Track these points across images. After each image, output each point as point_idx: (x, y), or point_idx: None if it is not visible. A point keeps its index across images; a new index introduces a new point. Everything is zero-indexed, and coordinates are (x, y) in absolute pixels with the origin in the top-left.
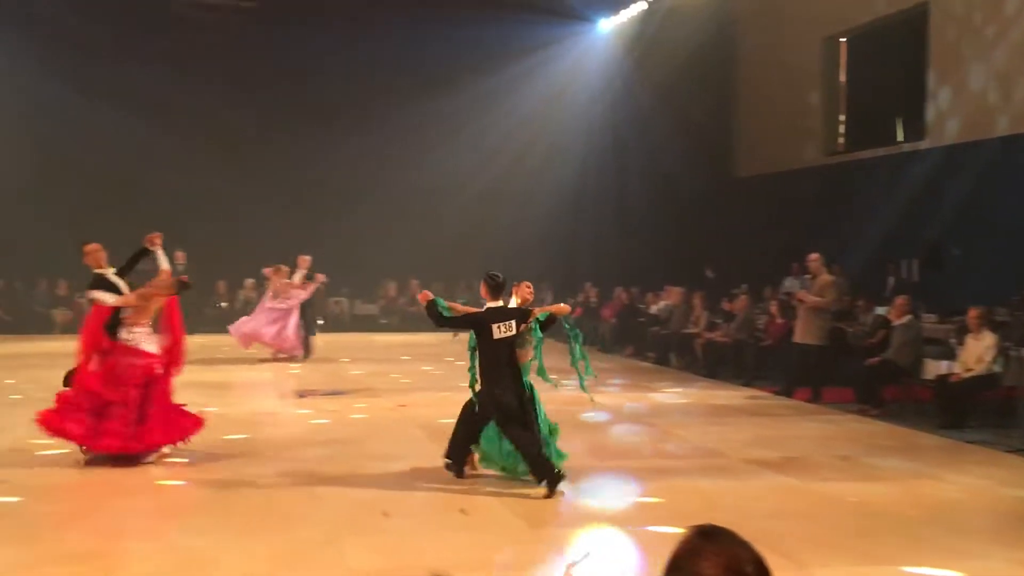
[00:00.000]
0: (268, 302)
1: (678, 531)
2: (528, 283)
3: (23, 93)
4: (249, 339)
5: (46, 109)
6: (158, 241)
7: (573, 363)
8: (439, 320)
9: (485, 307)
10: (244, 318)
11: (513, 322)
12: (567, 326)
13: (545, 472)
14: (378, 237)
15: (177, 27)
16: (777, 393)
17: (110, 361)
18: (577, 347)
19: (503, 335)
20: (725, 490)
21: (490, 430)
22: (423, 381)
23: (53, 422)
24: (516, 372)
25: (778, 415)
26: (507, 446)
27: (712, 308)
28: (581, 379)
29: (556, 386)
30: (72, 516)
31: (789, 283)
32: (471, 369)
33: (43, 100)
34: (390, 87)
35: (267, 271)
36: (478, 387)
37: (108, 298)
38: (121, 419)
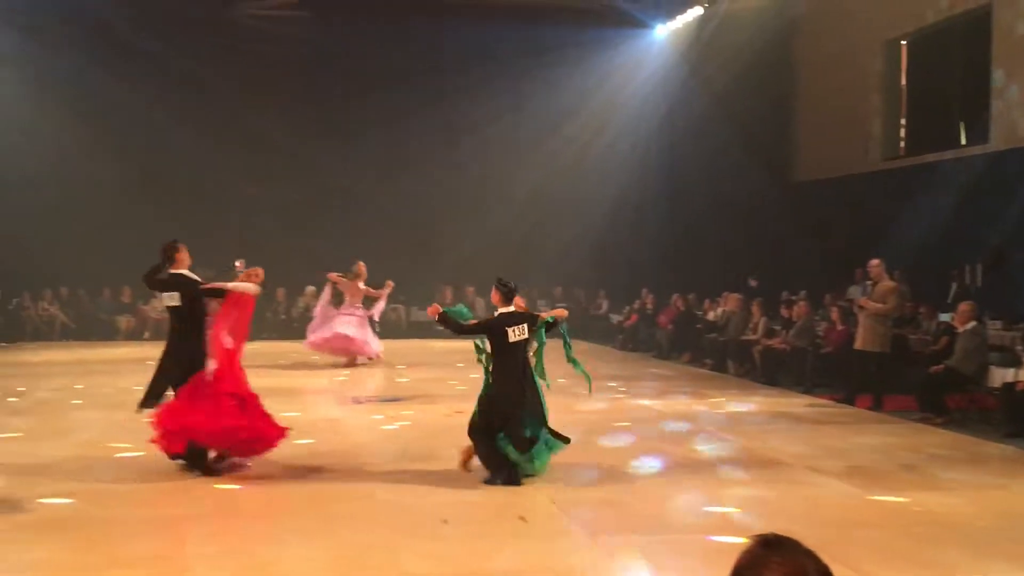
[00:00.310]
0: (345, 308)
1: (740, 541)
2: (519, 296)
3: (88, 103)
4: (339, 348)
5: (108, 121)
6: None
7: (569, 359)
8: (458, 329)
9: (497, 313)
10: (323, 328)
11: (525, 325)
12: (563, 330)
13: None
14: (435, 244)
15: (237, 37)
16: (838, 401)
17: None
18: (569, 349)
19: (518, 338)
20: (786, 499)
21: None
22: (477, 387)
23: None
24: (530, 372)
25: (839, 423)
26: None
27: (771, 315)
28: (582, 368)
29: (548, 386)
30: (136, 519)
31: (851, 289)
32: (488, 373)
33: (107, 111)
34: (446, 93)
35: (333, 276)
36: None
37: (251, 287)
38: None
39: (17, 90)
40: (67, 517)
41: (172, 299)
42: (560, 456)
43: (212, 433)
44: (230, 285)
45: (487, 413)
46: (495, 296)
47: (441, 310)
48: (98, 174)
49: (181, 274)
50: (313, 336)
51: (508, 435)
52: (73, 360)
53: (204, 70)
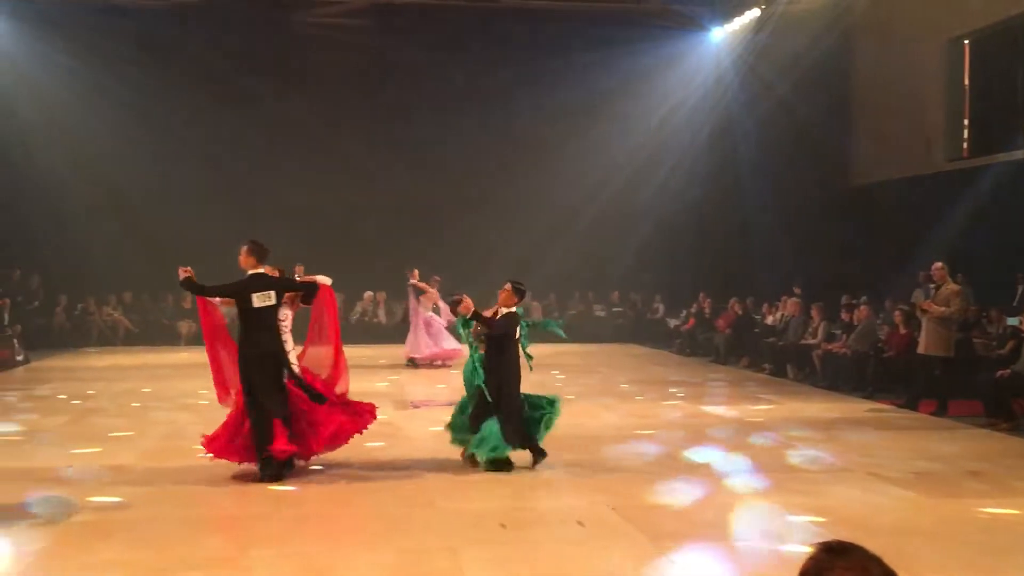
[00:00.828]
0: (423, 314)
1: (802, 549)
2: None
3: (151, 113)
4: (446, 358)
5: (171, 131)
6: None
7: (547, 327)
8: (492, 326)
9: (511, 311)
10: (433, 340)
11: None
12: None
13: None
14: (496, 250)
15: (297, 44)
16: (901, 406)
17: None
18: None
19: (518, 335)
20: (849, 505)
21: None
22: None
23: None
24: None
25: (903, 428)
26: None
27: (831, 319)
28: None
29: (531, 368)
30: (201, 521)
31: (915, 292)
32: (480, 363)
33: (169, 122)
34: (501, 99)
35: (415, 280)
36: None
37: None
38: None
39: (82, 102)
40: (134, 518)
41: (268, 298)
42: (617, 461)
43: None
44: (319, 278)
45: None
46: (512, 298)
47: (471, 309)
48: (161, 183)
49: (262, 273)
50: (431, 350)
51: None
52: (137, 364)
53: (264, 79)
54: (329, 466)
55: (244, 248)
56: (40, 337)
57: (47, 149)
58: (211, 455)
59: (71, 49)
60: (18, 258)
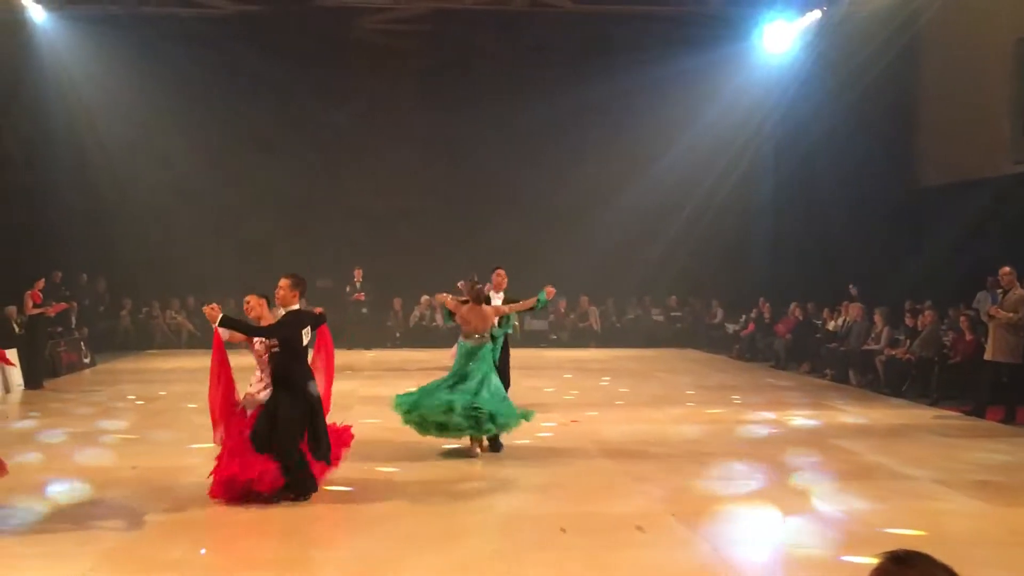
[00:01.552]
0: None
1: (865, 559)
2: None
3: (213, 122)
4: None
5: (234, 140)
6: None
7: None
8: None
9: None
10: None
11: None
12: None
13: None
14: (547, 253)
15: (360, 52)
16: (967, 413)
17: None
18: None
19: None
20: (913, 514)
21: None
22: (593, 397)
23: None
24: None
25: (968, 436)
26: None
27: (894, 324)
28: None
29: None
30: (262, 522)
31: (982, 298)
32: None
33: (230, 131)
34: (560, 102)
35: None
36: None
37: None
38: None
39: (146, 109)
40: (198, 519)
41: (307, 335)
42: (675, 467)
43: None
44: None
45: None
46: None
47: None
48: (224, 188)
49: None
50: None
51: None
52: (200, 367)
53: (326, 86)
54: (386, 468)
55: (287, 282)
56: (105, 340)
57: (113, 156)
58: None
59: (139, 58)
60: (85, 263)
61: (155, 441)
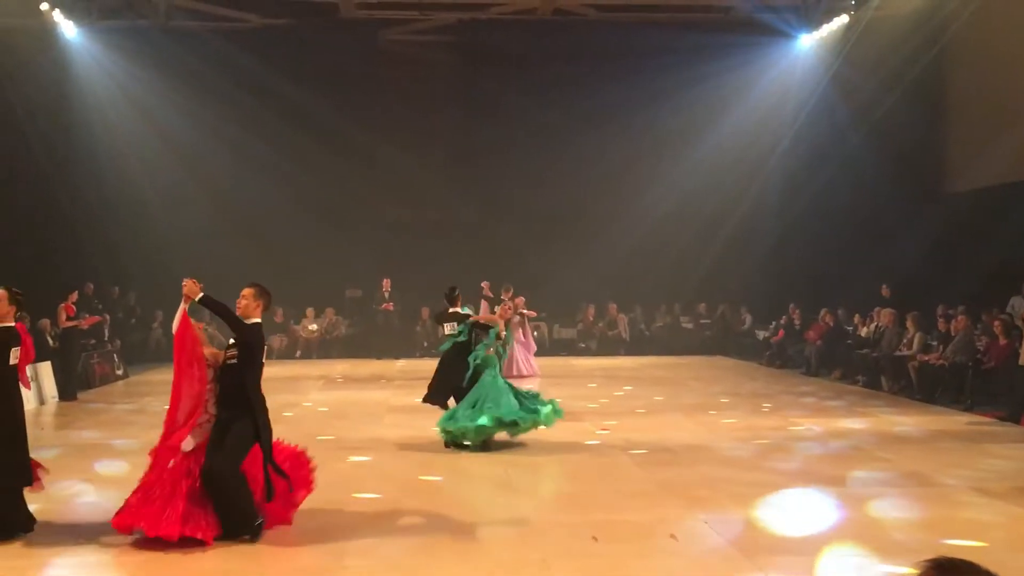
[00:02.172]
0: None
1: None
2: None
3: (242, 135)
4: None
5: (261, 150)
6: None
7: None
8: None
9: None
10: (527, 354)
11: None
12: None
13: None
14: (576, 261)
15: (385, 61)
16: (1002, 419)
17: None
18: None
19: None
20: (949, 521)
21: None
22: (623, 405)
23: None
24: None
25: (1004, 442)
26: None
27: (926, 329)
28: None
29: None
30: (295, 532)
31: (1016, 303)
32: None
33: (258, 141)
34: (585, 109)
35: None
36: None
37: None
38: None
39: (178, 125)
40: None
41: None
42: (708, 475)
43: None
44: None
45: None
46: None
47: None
48: (256, 200)
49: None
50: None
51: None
52: None
53: (353, 97)
54: (416, 476)
55: (252, 291)
56: (137, 352)
57: (144, 170)
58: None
59: (168, 71)
60: (116, 276)
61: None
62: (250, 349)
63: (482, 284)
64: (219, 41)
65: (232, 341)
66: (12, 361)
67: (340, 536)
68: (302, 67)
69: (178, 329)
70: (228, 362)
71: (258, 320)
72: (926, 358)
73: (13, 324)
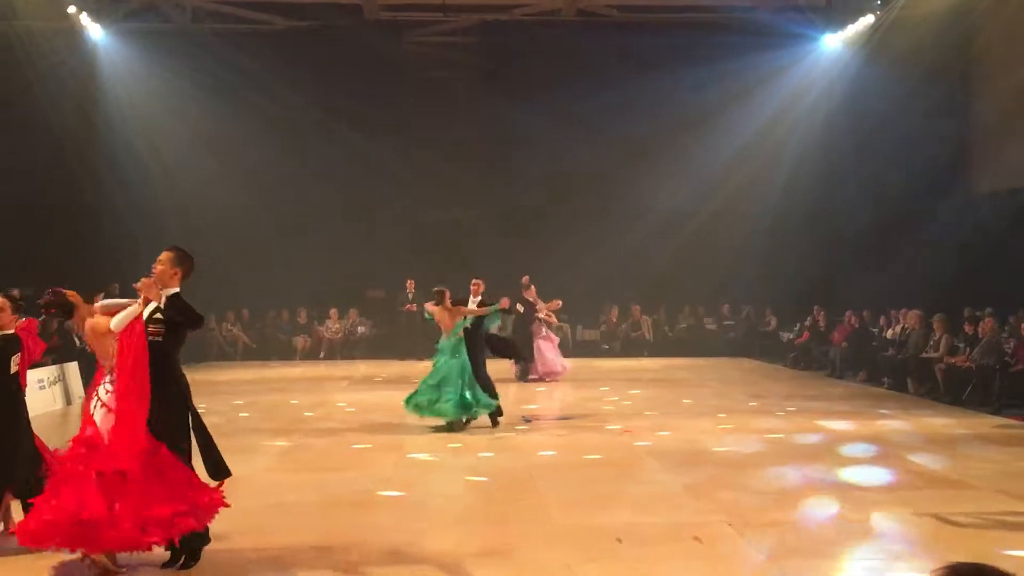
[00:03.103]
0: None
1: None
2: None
3: (271, 139)
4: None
5: (292, 156)
6: None
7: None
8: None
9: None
10: (554, 354)
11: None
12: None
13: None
14: (599, 262)
15: (409, 62)
16: None
17: None
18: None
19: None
20: (979, 525)
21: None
22: (646, 406)
23: None
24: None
25: None
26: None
27: (952, 331)
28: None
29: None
30: (324, 535)
31: None
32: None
33: (288, 147)
34: (611, 110)
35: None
36: None
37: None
38: None
39: (204, 125)
40: (254, 530)
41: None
42: (731, 477)
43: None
44: None
45: None
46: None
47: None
48: (276, 200)
49: None
50: (559, 364)
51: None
52: (257, 379)
53: (374, 98)
54: (447, 478)
55: (170, 255)
56: None
57: (170, 169)
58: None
59: (194, 73)
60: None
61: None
62: (177, 328)
63: (523, 279)
64: (244, 43)
65: (151, 315)
66: (13, 369)
67: (362, 538)
68: (326, 69)
69: (127, 335)
70: (151, 339)
71: (175, 290)
72: (953, 360)
73: (13, 331)
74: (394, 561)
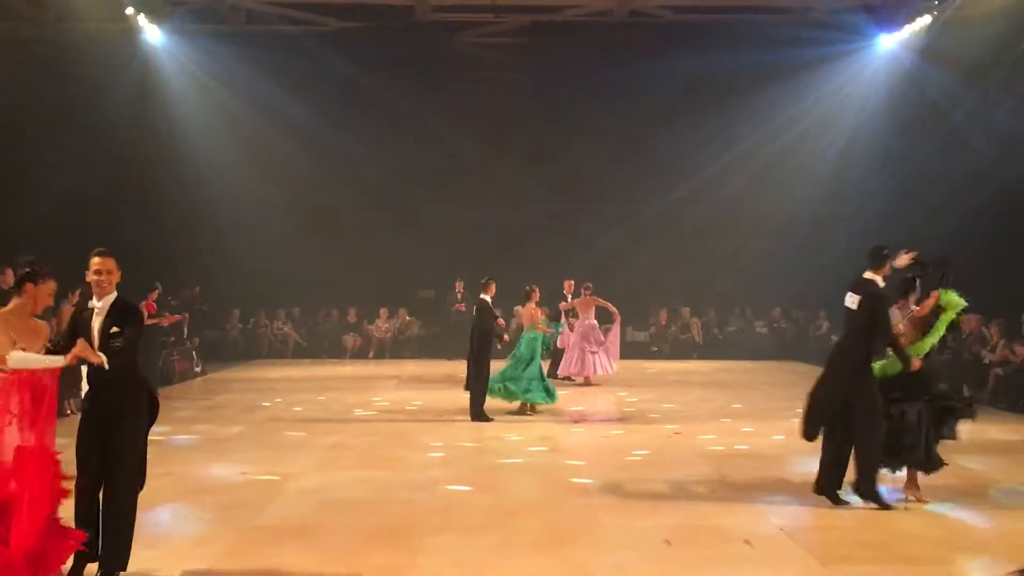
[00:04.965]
0: (586, 326)
1: None
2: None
3: (311, 132)
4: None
5: (336, 156)
6: None
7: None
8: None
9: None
10: (602, 354)
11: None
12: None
13: None
14: (648, 264)
15: (460, 63)
16: None
17: None
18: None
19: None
20: None
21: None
22: (695, 408)
23: None
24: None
25: None
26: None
27: (1009, 336)
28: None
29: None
30: (372, 529)
31: None
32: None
33: (333, 146)
34: (655, 110)
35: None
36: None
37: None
38: None
39: (257, 125)
40: (306, 526)
41: None
42: (782, 481)
43: None
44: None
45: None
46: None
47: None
48: (328, 200)
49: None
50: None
51: None
52: (307, 376)
53: (426, 99)
54: (490, 477)
55: (115, 263)
56: (214, 350)
57: (223, 171)
58: None
59: (247, 73)
60: (195, 275)
61: (266, 446)
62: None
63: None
64: (298, 43)
65: (115, 329)
66: None
67: (412, 533)
68: (379, 69)
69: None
70: (113, 346)
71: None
72: (1010, 356)
73: None
74: (444, 555)
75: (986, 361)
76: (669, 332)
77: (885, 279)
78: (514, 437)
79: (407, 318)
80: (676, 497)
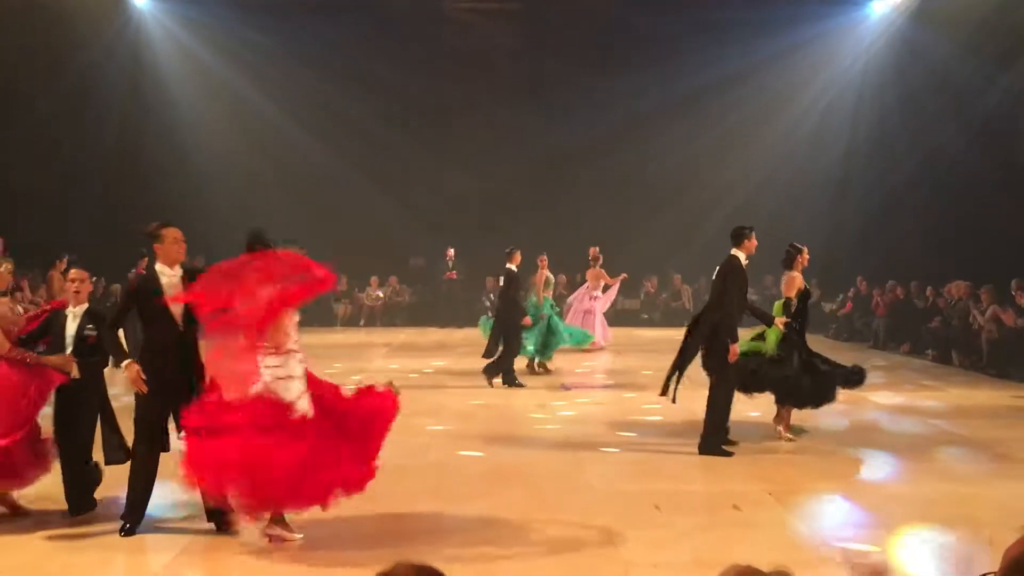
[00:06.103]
0: (592, 295)
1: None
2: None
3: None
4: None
5: (324, 120)
6: None
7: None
8: None
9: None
10: (600, 322)
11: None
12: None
13: None
14: (639, 231)
15: (450, 30)
16: None
17: None
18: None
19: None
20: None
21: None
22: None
23: None
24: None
25: None
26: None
27: (1000, 303)
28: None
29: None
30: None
31: None
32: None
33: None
34: (655, 75)
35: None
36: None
37: None
38: None
39: (247, 91)
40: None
41: None
42: (772, 447)
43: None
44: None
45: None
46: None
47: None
48: (318, 169)
49: None
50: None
51: None
52: (355, 343)
53: (415, 66)
54: (483, 446)
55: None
56: None
57: (207, 138)
58: None
59: (235, 40)
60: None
61: None
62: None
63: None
64: (286, 8)
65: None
66: None
67: (405, 502)
68: (366, 36)
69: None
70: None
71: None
72: (1002, 317)
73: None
74: (432, 527)
75: (975, 327)
76: (659, 299)
77: (749, 257)
78: (504, 403)
79: (398, 286)
80: (664, 462)
